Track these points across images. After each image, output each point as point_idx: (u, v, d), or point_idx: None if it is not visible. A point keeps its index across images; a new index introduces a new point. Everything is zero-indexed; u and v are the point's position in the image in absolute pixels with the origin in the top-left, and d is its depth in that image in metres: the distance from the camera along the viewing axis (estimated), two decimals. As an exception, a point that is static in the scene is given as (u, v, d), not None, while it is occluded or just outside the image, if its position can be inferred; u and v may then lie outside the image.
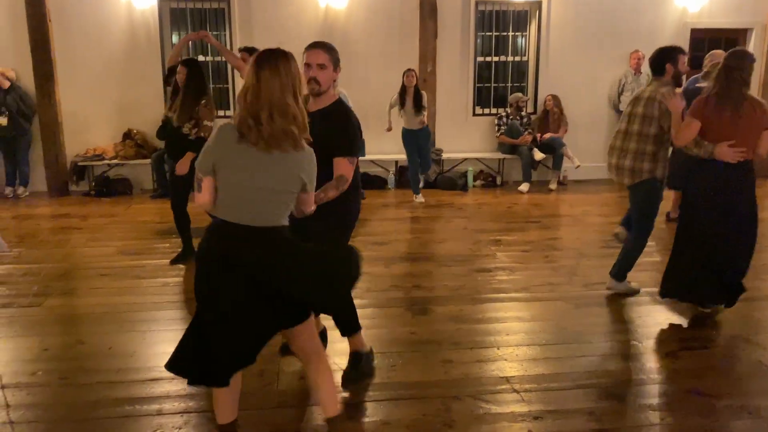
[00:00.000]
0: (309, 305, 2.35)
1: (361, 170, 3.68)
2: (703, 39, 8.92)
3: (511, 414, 2.80)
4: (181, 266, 4.87)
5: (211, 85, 8.07)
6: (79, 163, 8.09)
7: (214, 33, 8.33)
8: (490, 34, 8.86)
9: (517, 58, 9.03)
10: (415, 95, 7.21)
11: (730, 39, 8.85)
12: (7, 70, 7.71)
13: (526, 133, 8.38)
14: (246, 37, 7.92)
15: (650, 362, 3.38)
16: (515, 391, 2.99)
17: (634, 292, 4.31)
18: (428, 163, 7.71)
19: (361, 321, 3.76)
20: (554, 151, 8.34)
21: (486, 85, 9.02)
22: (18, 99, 7.73)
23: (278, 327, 2.32)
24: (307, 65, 2.92)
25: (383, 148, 8.14)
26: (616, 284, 4.30)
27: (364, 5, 8.34)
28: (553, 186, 8.34)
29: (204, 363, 2.24)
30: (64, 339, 3.63)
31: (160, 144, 6.51)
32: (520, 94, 8.64)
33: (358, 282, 2.36)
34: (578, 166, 8.21)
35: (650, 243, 4.31)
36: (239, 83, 5.99)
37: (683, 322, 3.89)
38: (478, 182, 8.64)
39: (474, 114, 8.91)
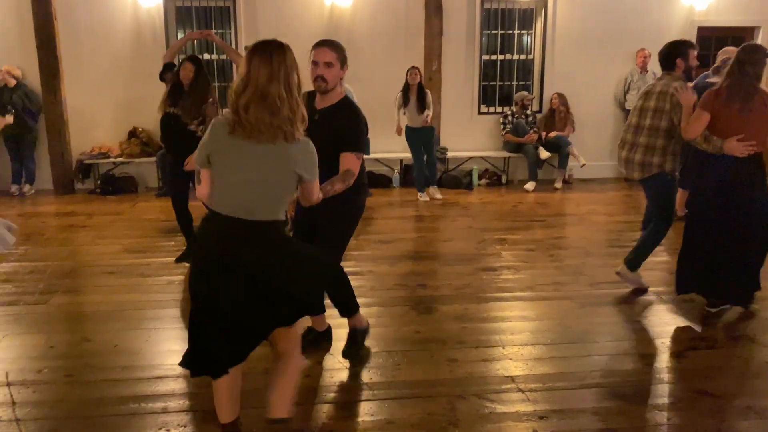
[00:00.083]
0: (304, 305, 2.33)
1: (366, 169, 3.69)
2: (710, 37, 8.87)
3: (516, 413, 2.79)
4: (186, 264, 4.88)
5: (216, 84, 8.07)
6: (85, 161, 8.11)
7: (219, 31, 8.35)
8: (496, 32, 8.83)
9: (523, 57, 9.00)
10: (418, 93, 7.19)
11: (737, 37, 8.78)
12: (13, 68, 7.74)
13: (532, 131, 8.35)
14: (251, 36, 7.93)
15: (656, 362, 3.37)
16: (520, 390, 2.98)
17: (642, 289, 4.29)
18: (433, 162, 7.60)
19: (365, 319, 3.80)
20: (560, 149, 8.31)
21: (491, 83, 8.99)
22: (24, 97, 7.75)
23: (274, 325, 2.31)
24: (315, 63, 2.95)
25: (388, 146, 8.14)
26: (629, 273, 4.28)
27: (370, 3, 8.33)
28: (558, 185, 8.32)
29: (201, 355, 2.26)
30: (70, 336, 3.64)
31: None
32: (525, 93, 8.61)
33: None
34: (584, 165, 8.19)
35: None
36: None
37: (689, 321, 3.87)
38: (483, 181, 8.63)
39: (479, 112, 8.89)
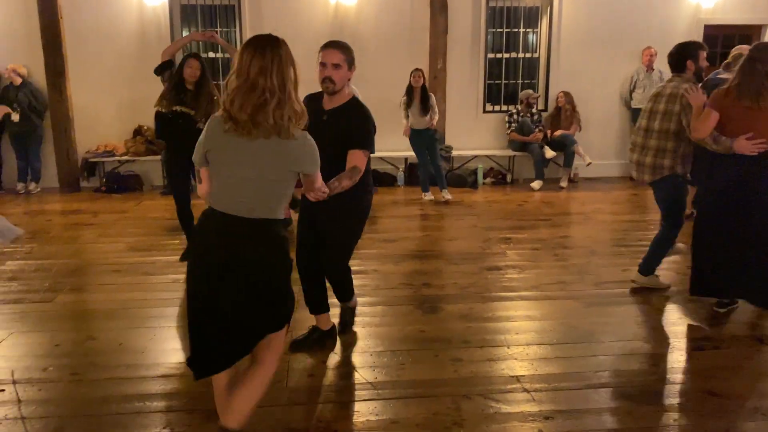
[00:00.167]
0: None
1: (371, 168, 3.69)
2: (717, 35, 8.83)
3: (521, 413, 2.78)
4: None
5: (221, 83, 8.08)
6: (90, 160, 8.14)
7: (224, 30, 8.37)
8: (501, 30, 8.80)
9: (528, 55, 8.98)
10: (422, 95, 7.16)
11: (745, 35, 8.74)
12: (18, 67, 7.77)
13: (537, 130, 8.32)
14: (256, 33, 7.91)
15: (662, 362, 3.35)
16: (525, 390, 2.97)
17: (663, 287, 4.29)
18: (438, 164, 7.48)
19: (370, 318, 3.83)
20: (565, 148, 8.29)
21: (496, 82, 8.97)
22: (30, 95, 7.78)
23: (274, 326, 2.30)
24: (323, 64, 2.97)
25: (393, 145, 8.13)
26: (643, 279, 4.29)
27: (374, 2, 8.32)
28: (564, 184, 8.29)
29: (202, 355, 2.25)
30: (75, 335, 3.65)
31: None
32: (530, 91, 8.59)
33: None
34: (589, 164, 8.16)
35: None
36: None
37: (696, 321, 3.85)
38: (488, 179, 8.61)
39: (484, 111, 8.87)
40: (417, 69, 7.22)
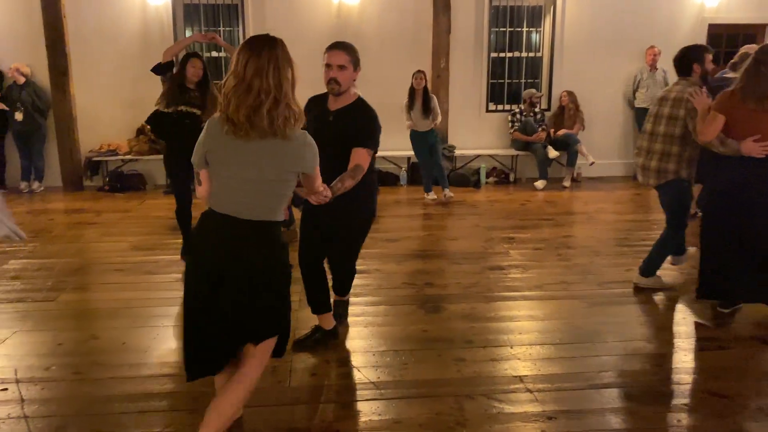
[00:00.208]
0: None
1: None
2: (721, 34, 8.80)
3: (524, 414, 2.77)
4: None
5: (222, 82, 8.08)
6: (93, 159, 8.15)
7: (227, 29, 8.37)
8: (504, 29, 8.79)
9: (531, 54, 8.96)
10: (423, 98, 7.14)
11: (749, 35, 8.72)
12: (22, 66, 7.78)
13: (540, 129, 8.31)
14: (259, 33, 7.91)
15: (666, 362, 3.34)
16: (529, 390, 2.96)
17: (666, 287, 4.28)
18: (440, 165, 7.46)
19: (373, 318, 3.83)
20: (568, 147, 8.27)
21: (499, 81, 8.95)
22: (33, 94, 7.80)
23: (275, 327, 2.30)
24: (328, 66, 2.98)
25: (395, 145, 8.12)
26: (644, 280, 4.29)
27: (377, 1, 8.31)
28: (567, 183, 8.28)
29: (199, 355, 2.25)
30: (78, 334, 3.65)
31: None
32: (533, 90, 8.57)
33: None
34: (592, 163, 8.14)
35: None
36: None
37: (700, 322, 3.84)
38: (491, 179, 8.60)
39: (487, 110, 8.86)
40: (419, 71, 7.20)
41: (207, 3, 8.30)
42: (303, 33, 8.05)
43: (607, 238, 5.75)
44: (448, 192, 7.35)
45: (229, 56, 8.09)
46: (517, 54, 8.91)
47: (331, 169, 2.77)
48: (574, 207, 7.28)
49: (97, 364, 3.24)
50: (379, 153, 8.50)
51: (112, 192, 7.94)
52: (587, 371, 3.16)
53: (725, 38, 8.81)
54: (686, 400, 2.92)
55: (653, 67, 8.39)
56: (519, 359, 3.29)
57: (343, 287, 3.58)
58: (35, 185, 8.01)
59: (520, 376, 3.10)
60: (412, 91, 7.18)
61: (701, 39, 8.31)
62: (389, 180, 8.37)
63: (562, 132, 8.36)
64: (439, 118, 7.35)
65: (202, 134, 2.23)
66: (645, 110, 8.37)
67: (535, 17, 8.87)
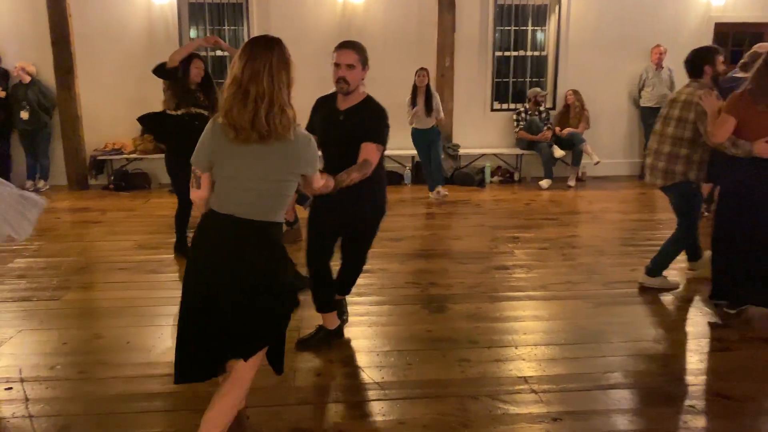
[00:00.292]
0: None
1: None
2: (728, 33, 8.75)
3: (529, 415, 2.76)
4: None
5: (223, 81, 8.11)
6: (98, 157, 8.17)
7: (232, 28, 8.37)
8: (509, 28, 8.76)
9: (536, 53, 8.93)
10: (426, 95, 7.12)
11: (756, 34, 8.66)
12: (27, 65, 7.80)
13: (546, 128, 8.28)
14: (264, 32, 7.86)
15: (672, 363, 3.32)
16: (533, 391, 2.95)
17: (672, 287, 4.26)
18: (438, 163, 7.46)
19: (377, 317, 3.82)
20: (573, 147, 8.24)
21: (504, 80, 8.93)
22: (38, 93, 7.82)
23: (277, 328, 2.29)
24: (336, 65, 2.99)
25: (399, 143, 8.10)
26: (650, 280, 4.27)
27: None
28: (571, 182, 8.25)
29: (192, 357, 2.24)
30: (83, 333, 3.66)
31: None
32: (538, 89, 8.54)
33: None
34: (597, 163, 8.11)
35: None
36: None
37: (706, 322, 3.82)
38: (496, 178, 8.58)
39: (492, 109, 8.84)
40: (422, 68, 7.19)
41: (212, 2, 8.30)
42: (307, 32, 8.05)
43: (612, 237, 5.73)
44: (442, 190, 7.34)
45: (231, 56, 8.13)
46: (522, 53, 8.88)
47: (341, 168, 2.78)
48: (579, 206, 7.26)
49: (102, 363, 3.24)
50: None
51: (117, 191, 7.96)
52: (593, 372, 3.15)
53: (732, 37, 8.76)
54: (693, 402, 2.90)
55: (659, 65, 8.34)
56: (524, 360, 3.27)
57: (349, 286, 3.57)
58: (40, 184, 8.03)
59: (524, 377, 3.08)
60: (414, 89, 7.17)
61: (707, 38, 8.27)
62: (393, 179, 8.36)
63: (567, 131, 8.32)
64: (442, 115, 7.34)
65: (204, 135, 2.22)
66: (650, 109, 8.39)
67: (540, 16, 8.84)
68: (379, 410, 2.81)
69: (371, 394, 2.95)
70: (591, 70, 8.61)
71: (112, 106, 8.21)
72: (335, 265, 3.40)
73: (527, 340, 3.53)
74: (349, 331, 3.58)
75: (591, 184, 8.42)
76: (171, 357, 3.26)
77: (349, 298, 3.71)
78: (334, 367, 3.23)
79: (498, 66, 8.81)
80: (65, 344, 3.47)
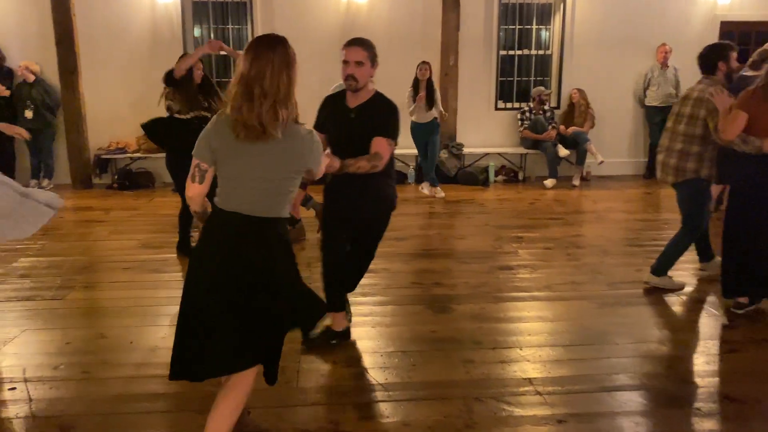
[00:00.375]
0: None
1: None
2: (734, 32, 8.69)
3: (533, 417, 2.74)
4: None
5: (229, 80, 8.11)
6: (102, 156, 8.18)
7: (236, 27, 8.37)
8: (514, 27, 8.73)
9: (541, 52, 8.90)
10: (427, 89, 7.09)
11: (762, 32, 8.60)
12: (31, 64, 7.81)
13: (551, 127, 8.25)
14: (267, 31, 7.80)
15: (678, 365, 3.29)
16: (538, 393, 2.93)
17: (677, 288, 4.24)
18: (433, 159, 7.41)
19: (380, 318, 3.81)
20: (578, 146, 8.21)
21: (509, 78, 8.89)
22: (43, 92, 7.83)
23: (280, 329, 2.28)
24: (345, 62, 2.98)
25: (403, 142, 8.06)
26: (655, 279, 4.25)
27: (386, -2, 8.28)
28: (576, 182, 8.21)
29: (191, 353, 2.21)
30: (86, 332, 3.65)
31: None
32: (542, 88, 8.51)
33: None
34: (601, 162, 8.08)
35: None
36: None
37: (712, 324, 3.79)
38: (500, 177, 8.55)
39: (496, 108, 8.81)
40: (424, 62, 7.16)
41: (216, 1, 8.30)
42: (311, 31, 8.04)
43: (617, 237, 5.71)
44: (430, 188, 7.30)
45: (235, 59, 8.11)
46: (526, 51, 8.85)
47: None
48: (584, 206, 7.23)
49: (105, 363, 3.24)
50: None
51: (121, 190, 7.96)
52: (598, 373, 3.13)
53: (737, 36, 8.70)
54: (700, 404, 2.87)
55: (664, 64, 8.30)
56: (528, 361, 3.26)
57: (355, 282, 3.56)
58: (45, 183, 8.04)
59: (529, 378, 3.07)
60: (416, 82, 7.14)
61: (713, 37, 8.21)
62: (397, 178, 8.33)
63: (571, 129, 8.29)
64: (441, 108, 7.32)
65: (207, 130, 2.22)
66: (655, 108, 8.35)
67: (544, 14, 8.81)
68: (383, 412, 2.80)
69: (375, 395, 2.94)
70: (596, 69, 8.57)
71: (116, 105, 8.21)
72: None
73: (531, 341, 3.51)
74: (352, 332, 3.56)
75: (596, 183, 8.39)
76: (174, 357, 3.28)
77: (352, 299, 3.70)
78: (338, 369, 3.21)
79: (502, 65, 8.77)
80: (68, 344, 3.46)
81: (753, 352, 3.40)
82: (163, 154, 7.95)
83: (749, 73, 5.05)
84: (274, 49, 2.12)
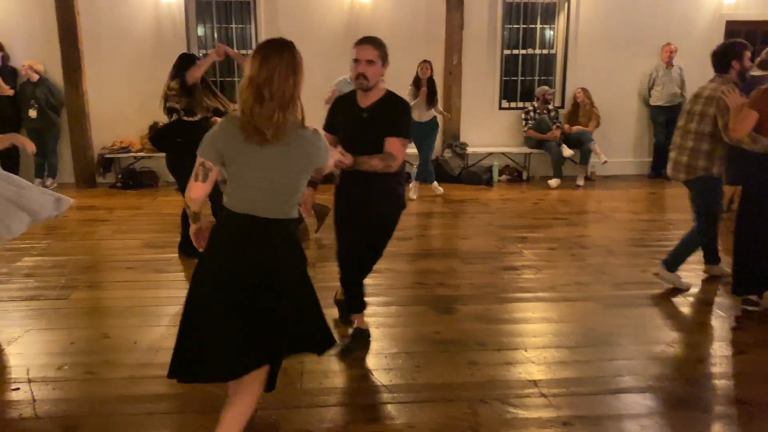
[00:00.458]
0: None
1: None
2: (739, 32, 8.64)
3: (539, 419, 2.72)
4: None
5: (236, 79, 8.11)
6: (106, 156, 8.18)
7: (239, 26, 8.35)
8: (518, 26, 8.70)
9: (545, 51, 8.86)
10: (429, 88, 7.06)
11: (768, 31, 8.57)
12: (35, 63, 7.81)
13: (555, 127, 8.22)
14: (271, 30, 7.90)
15: (684, 367, 3.27)
16: (543, 395, 2.91)
17: (683, 288, 4.23)
18: (426, 159, 7.33)
19: (384, 319, 3.80)
20: (582, 145, 8.17)
21: (513, 78, 8.86)
22: (47, 91, 7.83)
23: (284, 331, 2.25)
24: (356, 61, 2.95)
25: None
26: (666, 273, 4.26)
27: (390, -3, 8.26)
28: (580, 182, 8.18)
29: (197, 354, 2.20)
30: (90, 332, 3.65)
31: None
32: (546, 87, 8.47)
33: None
34: (605, 162, 8.05)
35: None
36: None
37: (720, 325, 3.77)
38: (504, 177, 8.53)
39: (500, 107, 8.78)
40: (425, 60, 7.10)
41: (219, 0, 8.28)
42: (315, 29, 8.02)
43: (622, 237, 5.68)
44: (414, 194, 7.18)
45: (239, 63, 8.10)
46: (530, 51, 8.82)
47: None
48: (588, 206, 7.20)
49: (109, 364, 3.23)
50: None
51: (125, 189, 7.95)
52: (603, 375, 3.11)
53: (743, 35, 8.64)
54: (706, 407, 2.86)
55: (669, 64, 8.26)
56: (533, 363, 3.24)
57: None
58: (48, 182, 8.04)
59: (534, 380, 3.05)
60: (417, 81, 7.11)
61: (719, 36, 8.16)
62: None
63: (576, 129, 8.25)
64: (440, 108, 7.28)
65: (216, 130, 2.22)
66: (660, 108, 8.32)
67: (548, 14, 8.77)
68: (387, 414, 2.78)
69: (379, 397, 2.92)
70: (600, 69, 8.53)
71: (120, 105, 8.20)
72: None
73: (536, 342, 3.49)
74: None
75: (600, 183, 8.36)
76: (178, 359, 3.27)
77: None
78: (342, 370, 3.20)
79: (506, 64, 8.74)
80: (72, 344, 3.46)
81: (762, 355, 3.37)
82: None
83: (757, 72, 5.03)
84: (281, 54, 2.12)
